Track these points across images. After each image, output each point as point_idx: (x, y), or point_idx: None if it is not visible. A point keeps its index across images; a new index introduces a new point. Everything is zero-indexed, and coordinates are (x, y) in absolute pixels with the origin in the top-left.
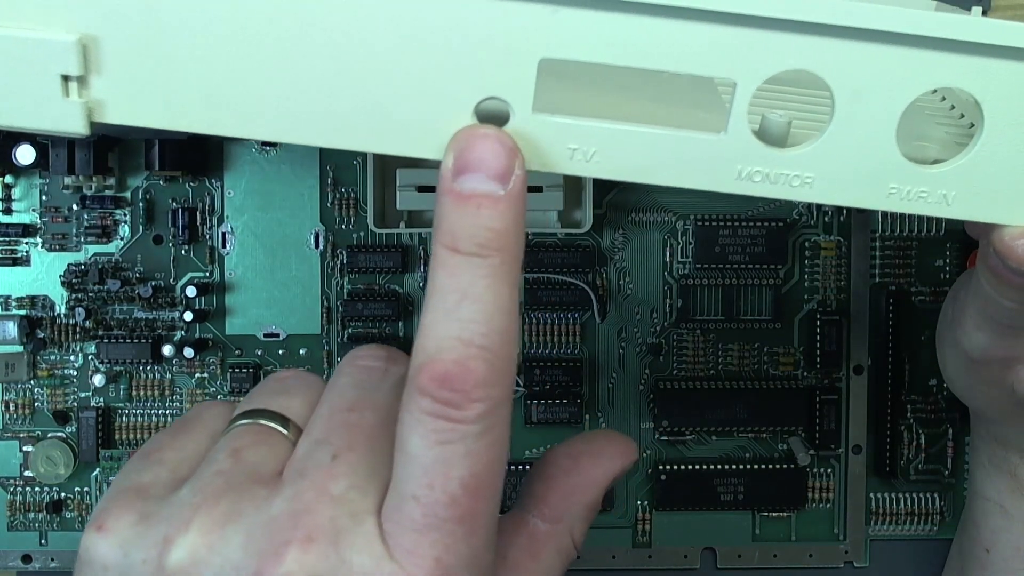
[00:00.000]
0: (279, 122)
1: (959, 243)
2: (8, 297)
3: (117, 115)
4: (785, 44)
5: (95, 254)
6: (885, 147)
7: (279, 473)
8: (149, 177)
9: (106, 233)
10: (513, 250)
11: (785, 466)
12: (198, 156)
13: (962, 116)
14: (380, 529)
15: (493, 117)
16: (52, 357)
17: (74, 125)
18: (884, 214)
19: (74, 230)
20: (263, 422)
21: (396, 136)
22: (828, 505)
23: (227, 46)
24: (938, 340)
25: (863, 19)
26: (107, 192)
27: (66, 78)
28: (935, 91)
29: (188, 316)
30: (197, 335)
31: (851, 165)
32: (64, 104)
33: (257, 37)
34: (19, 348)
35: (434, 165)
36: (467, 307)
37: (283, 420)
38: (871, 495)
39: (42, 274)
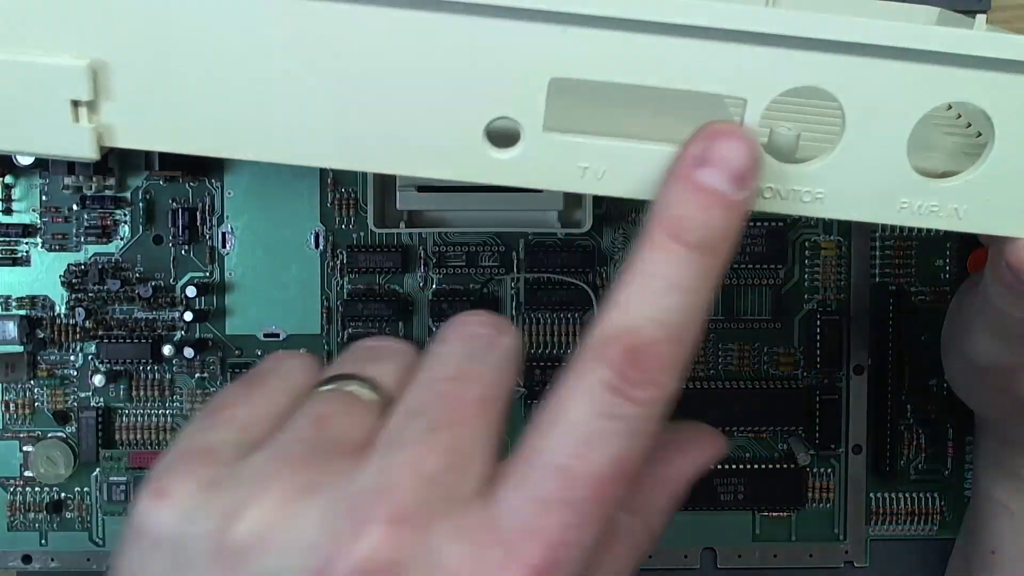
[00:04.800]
0: (288, 146)
1: (959, 243)
2: (8, 297)
3: (127, 140)
4: (795, 62)
5: (95, 254)
6: (896, 162)
7: (368, 447)
8: (149, 177)
9: (106, 233)
10: (727, 256)
11: (785, 466)
12: (198, 156)
13: (969, 125)
14: (483, 515)
15: (504, 136)
16: (52, 357)
17: (84, 150)
18: None
19: (74, 230)
20: (353, 388)
21: (405, 157)
22: (828, 505)
23: (236, 72)
24: (943, 346)
25: (872, 36)
26: (107, 192)
27: (76, 103)
28: None
29: (188, 316)
30: (197, 335)
31: (862, 180)
32: (74, 129)
33: (266, 63)
34: (19, 348)
35: None
36: (673, 296)
37: (375, 388)
38: (871, 495)
39: (42, 274)
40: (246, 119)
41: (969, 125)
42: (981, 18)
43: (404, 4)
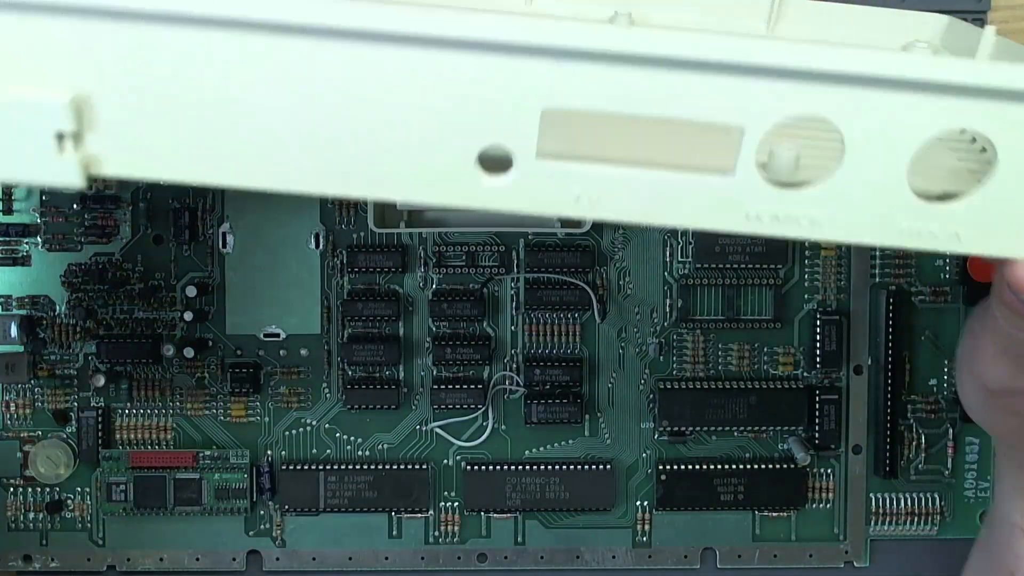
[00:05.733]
0: (278, 174)
1: None
2: (8, 297)
3: (114, 169)
4: (793, 92)
5: (95, 254)
6: (896, 186)
7: None
8: None
9: (106, 233)
10: None
11: (785, 466)
12: None
13: (973, 141)
14: None
15: (496, 163)
16: (52, 357)
17: (71, 180)
18: None
19: (74, 230)
20: None
21: (398, 184)
22: (828, 505)
23: (224, 102)
24: (957, 368)
25: (872, 67)
26: (107, 192)
27: (60, 136)
28: None
29: (188, 316)
30: (197, 335)
31: (861, 205)
32: (60, 160)
33: (253, 93)
34: (19, 348)
35: None
36: None
37: None
38: (871, 495)
39: (42, 274)
40: (234, 147)
41: (974, 140)
42: (990, 29)
43: (398, 41)
